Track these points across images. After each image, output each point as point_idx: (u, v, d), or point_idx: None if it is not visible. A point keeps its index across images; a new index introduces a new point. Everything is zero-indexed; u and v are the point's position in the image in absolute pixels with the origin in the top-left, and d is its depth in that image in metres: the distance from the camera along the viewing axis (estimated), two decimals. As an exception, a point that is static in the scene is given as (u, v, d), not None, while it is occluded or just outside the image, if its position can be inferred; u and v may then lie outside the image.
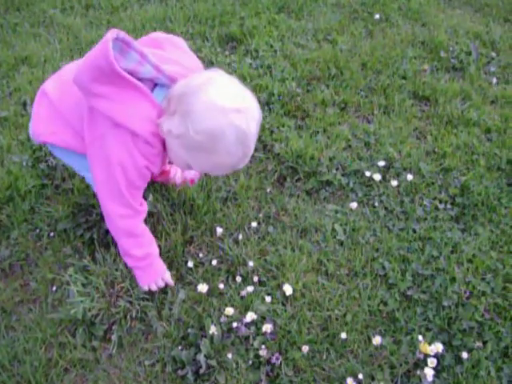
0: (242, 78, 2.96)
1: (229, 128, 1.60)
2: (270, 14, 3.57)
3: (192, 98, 1.61)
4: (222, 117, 1.59)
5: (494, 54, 3.40)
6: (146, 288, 1.98)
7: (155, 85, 1.78)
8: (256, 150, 2.60)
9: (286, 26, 3.46)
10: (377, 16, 3.59)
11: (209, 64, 3.07)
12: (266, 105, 2.86)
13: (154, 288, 1.98)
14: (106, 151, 1.72)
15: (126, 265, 2.03)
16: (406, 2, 3.80)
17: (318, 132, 2.71)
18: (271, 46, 3.28)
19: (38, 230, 2.27)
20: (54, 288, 2.06)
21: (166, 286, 2.03)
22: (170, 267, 2.10)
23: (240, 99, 1.65)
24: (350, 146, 2.66)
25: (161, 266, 2.02)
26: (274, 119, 2.75)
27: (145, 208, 1.92)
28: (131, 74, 1.64)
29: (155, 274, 1.99)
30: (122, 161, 1.72)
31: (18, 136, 2.70)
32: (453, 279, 2.07)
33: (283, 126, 2.73)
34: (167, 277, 2.02)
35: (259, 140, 2.64)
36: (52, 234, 2.24)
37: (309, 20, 3.56)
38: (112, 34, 1.59)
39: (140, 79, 1.67)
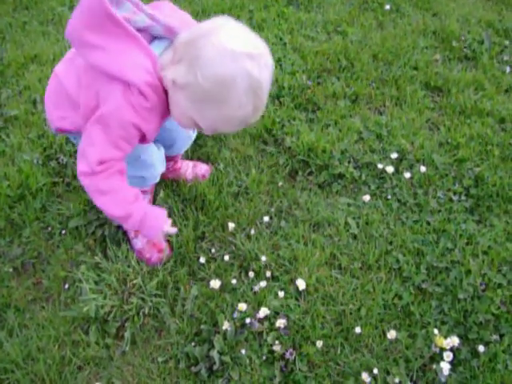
0: (252, 72, 2.94)
1: (240, 74, 1.48)
2: (279, 6, 3.54)
3: (202, 41, 1.51)
4: (233, 62, 1.48)
5: (507, 43, 3.35)
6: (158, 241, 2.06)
7: (154, 38, 1.71)
8: (267, 143, 2.60)
9: (295, 18, 3.44)
10: (387, 6, 3.56)
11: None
12: (276, 98, 2.83)
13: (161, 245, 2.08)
14: (96, 107, 1.65)
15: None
16: (416, -9, 3.76)
17: (329, 125, 2.69)
18: (281, 39, 3.25)
19: (49, 228, 2.26)
20: (67, 286, 2.05)
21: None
22: (181, 263, 2.10)
23: (252, 45, 1.53)
24: (361, 139, 2.63)
25: (154, 220, 1.89)
26: (285, 112, 2.73)
27: (115, 168, 1.73)
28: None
29: (153, 231, 1.90)
30: (108, 115, 1.62)
31: (28, 134, 2.70)
32: (468, 272, 2.04)
33: (294, 119, 2.71)
34: (168, 228, 1.95)
35: (270, 134, 2.63)
36: (64, 232, 2.24)
37: (318, 12, 3.54)
38: None
39: (136, 30, 1.59)
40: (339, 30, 3.36)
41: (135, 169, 1.95)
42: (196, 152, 2.56)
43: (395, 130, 2.65)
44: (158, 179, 2.11)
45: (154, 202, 2.30)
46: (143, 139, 1.76)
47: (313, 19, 3.44)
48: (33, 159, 2.54)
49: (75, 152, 2.58)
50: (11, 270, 2.13)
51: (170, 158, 2.30)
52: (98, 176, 1.69)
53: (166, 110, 1.71)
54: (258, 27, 3.33)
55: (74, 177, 2.46)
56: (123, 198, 1.78)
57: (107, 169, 1.69)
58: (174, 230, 1.99)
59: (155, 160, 2.01)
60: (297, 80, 2.91)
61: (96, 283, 2.01)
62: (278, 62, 3.06)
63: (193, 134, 2.26)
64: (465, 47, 3.28)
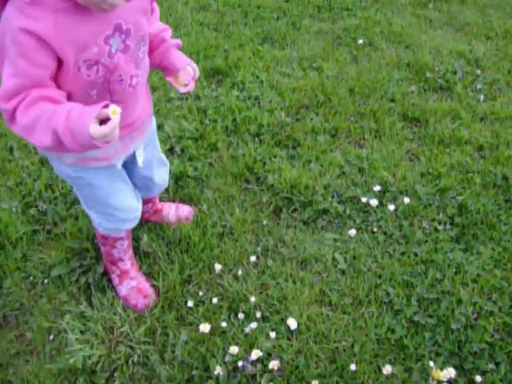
0: (230, 111, 2.96)
1: None
2: (254, 45, 3.57)
3: None
4: None
5: (478, 72, 3.41)
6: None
7: None
8: (249, 182, 2.59)
9: (270, 56, 3.47)
10: (360, 41, 3.61)
11: (196, 99, 3.06)
12: (256, 136, 2.84)
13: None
14: None
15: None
16: (387, 25, 3.82)
17: (310, 161, 2.69)
18: (257, 77, 3.27)
19: (31, 278, 2.21)
20: (52, 337, 2.00)
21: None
22: (169, 308, 2.06)
23: None
24: (343, 173, 2.63)
25: (78, 119, 1.36)
26: (266, 150, 2.73)
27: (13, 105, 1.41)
28: None
29: (80, 134, 1.35)
30: (0, 36, 1.37)
31: (5, 182, 2.66)
32: (459, 301, 2.03)
33: (275, 156, 2.70)
34: (100, 129, 1.35)
35: (252, 172, 2.62)
36: (46, 281, 2.19)
37: (293, 49, 3.57)
38: None
39: None
40: (315, 65, 3.39)
41: (106, 216, 1.94)
42: (178, 193, 2.54)
43: (376, 163, 2.66)
44: (133, 225, 2.05)
45: (138, 246, 2.26)
46: (55, 57, 1.40)
47: (288, 56, 3.47)
48: (11, 207, 2.50)
49: (55, 198, 2.55)
50: (-7, 323, 2.08)
51: (147, 200, 2.27)
52: (15, 114, 1.41)
53: (56, 1, 1.37)
54: (234, 66, 3.34)
55: (55, 224, 2.43)
56: (47, 119, 1.40)
57: (20, 102, 1.40)
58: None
59: (125, 205, 1.95)
60: (275, 117, 2.92)
61: (82, 333, 1.96)
62: (256, 99, 3.07)
63: (167, 179, 2.23)
64: (439, 78, 3.33)
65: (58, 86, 1.47)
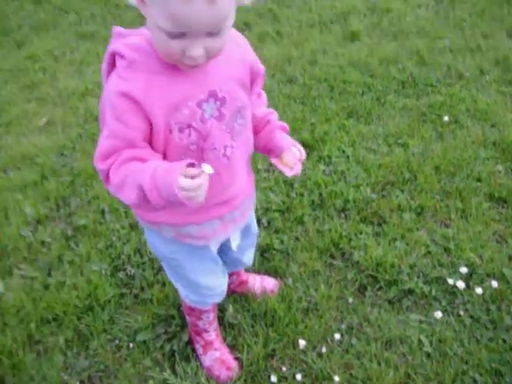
0: (317, 185, 3.01)
1: None
2: (340, 119, 3.64)
3: None
4: None
5: None
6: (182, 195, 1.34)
7: None
8: (334, 257, 2.60)
9: (356, 131, 3.52)
10: (445, 118, 3.61)
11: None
12: (342, 211, 2.87)
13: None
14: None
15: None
16: (472, 103, 3.81)
17: (396, 239, 2.69)
18: (343, 152, 3.32)
19: (117, 341, 2.28)
20: (136, 403, 2.04)
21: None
22: (252, 381, 2.07)
23: None
24: (429, 252, 2.62)
25: (165, 175, 1.37)
26: (351, 226, 2.75)
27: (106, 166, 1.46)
28: None
29: (167, 188, 1.36)
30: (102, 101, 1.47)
31: (96, 244, 2.77)
32: (551, 394, 1.97)
33: (361, 232, 2.72)
34: (187, 182, 1.34)
35: (337, 248, 2.64)
36: (131, 346, 2.25)
37: (378, 124, 3.61)
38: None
39: None
40: (400, 142, 3.41)
41: (193, 291, 1.97)
42: (263, 265, 2.58)
43: (463, 244, 2.63)
44: (219, 299, 2.08)
45: (223, 317, 2.30)
46: (146, 119, 1.45)
47: (373, 131, 3.51)
48: (101, 270, 2.60)
49: (143, 263, 2.63)
50: (78, 383, 2.14)
51: (232, 273, 2.32)
52: (109, 174, 1.46)
53: (152, 63, 1.45)
54: (320, 140, 3.41)
55: (142, 289, 2.50)
56: (134, 176, 1.43)
57: (113, 162, 1.45)
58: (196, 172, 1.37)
59: (214, 285, 1.99)
60: (361, 193, 2.95)
61: (166, 401, 2.00)
62: (342, 174, 3.12)
63: (252, 258, 2.24)
64: (526, 158, 3.29)
65: (153, 150, 1.52)
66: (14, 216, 3.03)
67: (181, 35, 1.31)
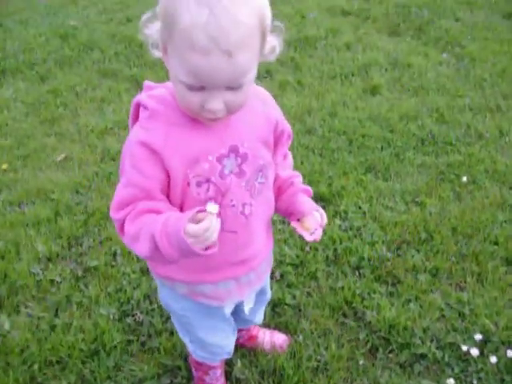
0: (332, 240, 2.98)
1: None
2: (358, 174, 3.62)
3: None
4: None
5: None
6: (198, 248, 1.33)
7: None
8: (346, 316, 2.56)
9: (373, 186, 3.50)
10: (464, 178, 3.59)
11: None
12: (356, 269, 2.84)
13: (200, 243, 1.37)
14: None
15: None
16: (492, 164, 3.79)
17: (410, 300, 2.64)
18: (360, 208, 3.30)
19: (121, 389, 2.24)
20: None
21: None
22: None
23: None
24: (443, 316, 2.57)
25: (175, 222, 1.35)
26: (365, 285, 2.71)
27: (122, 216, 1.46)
28: None
29: (175, 236, 1.33)
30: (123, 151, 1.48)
31: (106, 287, 2.74)
32: None
33: (374, 292, 2.68)
34: (193, 228, 1.31)
35: (350, 306, 2.60)
36: (136, 395, 2.21)
37: (396, 181, 3.59)
38: None
39: None
40: (417, 200, 3.39)
41: (201, 348, 1.94)
42: (274, 319, 2.54)
43: (478, 309, 2.58)
44: (228, 357, 2.05)
45: (230, 372, 2.26)
46: (164, 169, 1.45)
47: (391, 188, 3.49)
48: (109, 314, 2.57)
49: (152, 310, 2.60)
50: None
51: (241, 329, 2.28)
52: (124, 225, 1.46)
53: (174, 114, 1.45)
54: (337, 194, 3.39)
55: (150, 336, 2.47)
56: (147, 227, 1.41)
57: (129, 213, 1.44)
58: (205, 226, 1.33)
59: (223, 343, 1.95)
60: (376, 251, 2.92)
61: None
62: (358, 230, 3.09)
63: (262, 314, 2.20)
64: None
65: (170, 203, 1.50)
66: (26, 252, 3.02)
67: (200, 88, 1.31)
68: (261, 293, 1.95)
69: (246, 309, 1.89)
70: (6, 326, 2.55)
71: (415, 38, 5.93)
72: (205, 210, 1.33)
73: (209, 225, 1.31)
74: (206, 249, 1.35)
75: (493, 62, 5.31)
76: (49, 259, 2.98)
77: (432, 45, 5.75)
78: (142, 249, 1.42)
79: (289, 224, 3.08)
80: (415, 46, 5.75)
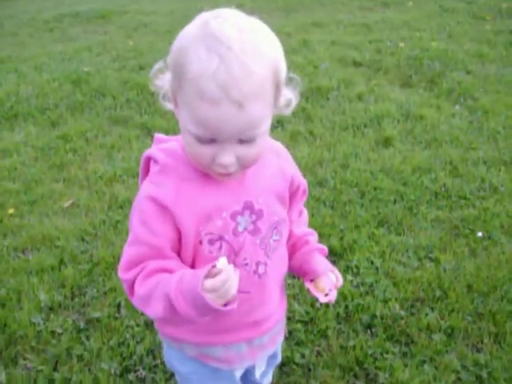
0: (343, 297, 2.88)
1: (193, 29, 1.23)
2: (370, 227, 3.54)
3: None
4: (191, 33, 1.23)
5: None
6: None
7: None
8: (358, 377, 2.46)
9: (386, 241, 3.41)
10: (479, 234, 3.50)
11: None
12: (368, 327, 2.73)
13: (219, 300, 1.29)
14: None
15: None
16: (507, 219, 3.71)
17: (424, 361, 2.53)
18: (372, 263, 3.21)
19: None
20: None
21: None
22: None
23: None
24: (459, 379, 2.45)
25: (190, 279, 1.30)
26: (377, 344, 2.61)
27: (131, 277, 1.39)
28: None
29: (191, 293, 1.27)
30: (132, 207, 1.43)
31: (109, 340, 2.66)
32: None
33: (387, 352, 2.57)
34: (211, 282, 1.25)
35: (361, 367, 2.49)
36: None
37: (409, 236, 3.50)
38: None
39: None
40: (431, 256, 3.30)
41: None
42: (282, 379, 2.44)
43: (496, 373, 2.47)
44: None
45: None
46: (174, 226, 1.38)
47: (404, 243, 3.40)
48: (110, 369, 2.48)
49: (155, 366, 2.51)
50: None
51: None
52: (134, 285, 1.39)
53: (186, 169, 1.40)
54: (349, 248, 3.31)
55: (152, 394, 2.38)
56: (160, 288, 1.34)
57: (138, 273, 1.38)
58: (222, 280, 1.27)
59: None
60: (389, 309, 2.82)
61: None
62: (370, 287, 2.99)
63: (271, 376, 2.08)
64: None
65: (181, 261, 1.43)
66: (27, 301, 2.95)
67: (210, 141, 1.25)
68: (273, 357, 1.85)
69: (257, 373, 1.78)
70: (2, 378, 2.47)
71: (427, 90, 5.93)
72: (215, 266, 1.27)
73: (227, 277, 1.24)
74: (225, 305, 1.28)
75: (506, 114, 5.28)
76: (51, 309, 2.91)
77: (444, 97, 5.74)
78: (155, 310, 1.35)
79: (298, 279, 2.99)
80: (427, 97, 5.74)
